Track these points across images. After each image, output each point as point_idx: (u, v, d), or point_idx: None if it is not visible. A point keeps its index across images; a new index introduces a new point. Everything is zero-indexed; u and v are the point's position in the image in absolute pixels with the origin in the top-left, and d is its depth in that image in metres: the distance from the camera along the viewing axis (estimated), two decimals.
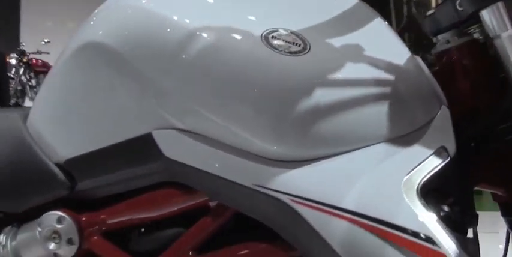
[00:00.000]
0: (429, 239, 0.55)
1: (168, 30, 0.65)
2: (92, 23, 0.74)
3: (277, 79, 0.61)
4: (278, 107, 0.61)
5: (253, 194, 0.62)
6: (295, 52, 0.62)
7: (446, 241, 0.55)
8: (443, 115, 0.66)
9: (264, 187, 0.61)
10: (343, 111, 0.61)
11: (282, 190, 0.60)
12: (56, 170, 0.77)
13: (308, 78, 0.61)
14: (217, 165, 0.64)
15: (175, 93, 0.65)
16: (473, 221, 0.65)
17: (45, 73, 6.35)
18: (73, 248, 0.76)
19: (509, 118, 0.71)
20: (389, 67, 0.65)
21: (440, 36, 0.73)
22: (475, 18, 0.65)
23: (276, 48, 0.62)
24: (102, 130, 0.72)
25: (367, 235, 0.56)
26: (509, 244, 0.79)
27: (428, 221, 0.56)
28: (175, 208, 0.72)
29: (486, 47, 0.70)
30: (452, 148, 0.63)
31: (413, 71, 0.67)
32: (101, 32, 0.70)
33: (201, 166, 0.65)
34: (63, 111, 0.76)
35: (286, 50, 0.62)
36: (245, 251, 0.69)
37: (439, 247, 0.55)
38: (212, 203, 0.71)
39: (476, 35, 0.69)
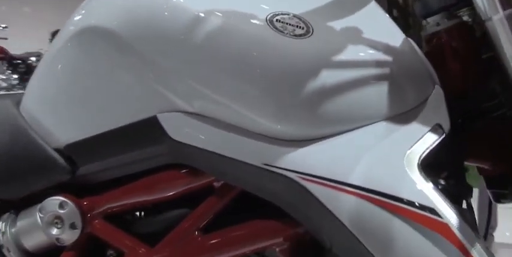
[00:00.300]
0: (432, 211, 0.59)
1: (173, 13, 0.65)
2: (88, 7, 0.74)
3: (285, 61, 0.63)
4: (284, 89, 0.63)
5: (262, 173, 0.64)
6: (300, 35, 0.64)
7: (447, 212, 0.59)
8: (437, 94, 0.69)
9: (273, 166, 0.63)
10: (346, 92, 0.64)
11: (291, 168, 0.63)
12: (56, 155, 0.77)
13: (313, 61, 0.63)
14: (225, 146, 0.66)
15: (181, 76, 0.66)
16: (468, 193, 0.69)
17: (3, 59, 6.14)
18: (76, 233, 0.76)
19: (494, 97, 0.75)
20: (387, 49, 0.68)
21: (430, 19, 0.76)
22: (465, 1, 0.68)
23: (281, 31, 0.63)
24: (105, 114, 0.73)
25: (375, 208, 0.60)
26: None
27: (430, 193, 0.60)
28: (180, 190, 0.73)
29: (474, 29, 0.74)
30: (446, 125, 0.67)
31: (409, 52, 0.71)
32: (100, 17, 0.70)
33: (209, 147, 0.66)
34: (62, 97, 0.75)
35: (291, 33, 0.63)
36: (251, 229, 0.71)
37: (441, 217, 0.59)
38: (217, 184, 0.73)
39: (465, 18, 0.72)
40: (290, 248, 0.71)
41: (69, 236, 0.77)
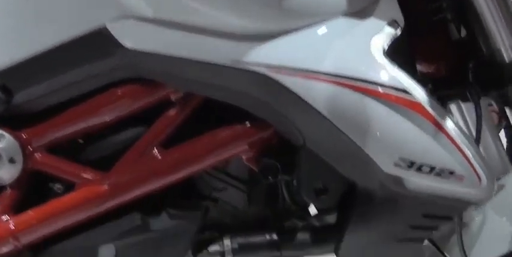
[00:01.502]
0: (404, 91, 0.60)
1: None
2: None
3: None
4: None
5: (230, 73, 0.61)
6: None
7: (419, 92, 0.60)
8: None
9: (241, 62, 0.60)
10: None
11: (259, 62, 0.60)
12: None
13: None
14: (188, 48, 0.62)
15: None
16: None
17: None
18: (17, 168, 0.68)
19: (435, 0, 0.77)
20: None
21: None
22: None
23: None
24: (41, 32, 0.65)
25: (352, 93, 0.59)
26: None
27: (400, 77, 0.61)
28: (134, 107, 0.68)
29: None
30: (401, 21, 0.67)
31: None
32: None
33: (170, 51, 0.62)
34: None
35: None
36: (213, 139, 0.69)
37: (413, 96, 0.60)
38: (173, 96, 0.68)
39: None
40: (257, 156, 0.69)
41: (9, 173, 0.68)
